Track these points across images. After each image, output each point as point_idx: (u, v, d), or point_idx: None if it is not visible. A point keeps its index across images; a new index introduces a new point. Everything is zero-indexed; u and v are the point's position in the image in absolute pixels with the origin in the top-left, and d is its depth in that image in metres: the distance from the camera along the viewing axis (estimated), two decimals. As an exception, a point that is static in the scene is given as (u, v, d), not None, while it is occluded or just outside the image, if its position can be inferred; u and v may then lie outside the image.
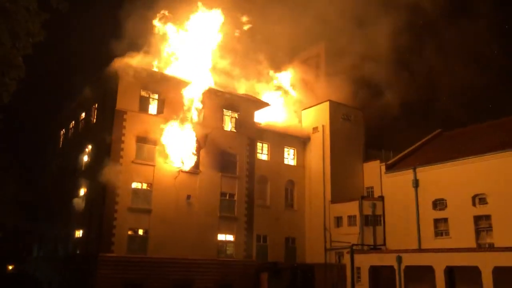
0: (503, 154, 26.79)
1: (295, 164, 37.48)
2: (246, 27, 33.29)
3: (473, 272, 21.34)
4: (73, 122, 35.63)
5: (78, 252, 29.32)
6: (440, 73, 48.83)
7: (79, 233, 29.87)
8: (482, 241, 27.14)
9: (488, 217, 27.02)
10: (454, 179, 28.97)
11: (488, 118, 35.13)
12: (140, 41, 30.13)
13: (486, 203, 27.27)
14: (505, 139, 28.59)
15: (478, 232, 27.43)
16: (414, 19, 42.34)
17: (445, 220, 29.15)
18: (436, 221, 29.63)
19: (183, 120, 29.29)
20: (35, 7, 9.90)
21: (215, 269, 29.04)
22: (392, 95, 41.32)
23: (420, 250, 28.03)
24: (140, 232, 27.58)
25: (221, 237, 30.45)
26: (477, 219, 27.57)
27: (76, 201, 30.65)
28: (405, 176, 31.99)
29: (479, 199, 27.74)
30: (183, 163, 29.08)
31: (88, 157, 31.26)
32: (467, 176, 28.30)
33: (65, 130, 37.63)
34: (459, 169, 28.93)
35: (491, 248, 25.33)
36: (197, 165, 29.89)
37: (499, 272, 20.70)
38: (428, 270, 23.42)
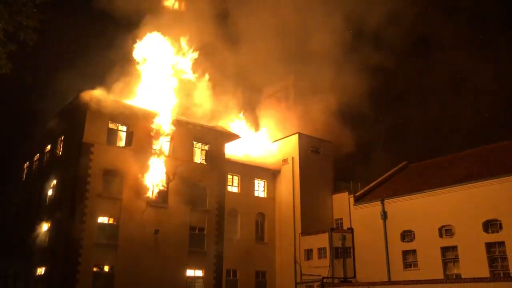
0: (469, 186, 27.50)
1: (266, 196, 37.41)
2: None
3: (442, 304, 21.49)
4: (38, 154, 34.69)
5: (39, 290, 28.02)
6: (407, 107, 50.41)
7: (41, 271, 28.61)
8: (449, 272, 27.44)
9: (454, 248, 27.43)
10: (421, 210, 29.45)
11: (453, 151, 36.15)
12: (108, 73, 30.07)
13: (453, 234, 27.74)
14: (470, 171, 29.44)
15: (445, 263, 27.76)
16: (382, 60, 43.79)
17: (414, 251, 29.42)
18: (405, 253, 29.86)
19: (151, 153, 28.98)
20: (1, 38, 9.76)
21: (184, 306, 28.23)
22: (360, 129, 42.30)
23: (390, 282, 28.08)
24: (106, 268, 26.68)
25: (190, 272, 29.75)
26: (444, 250, 27.95)
27: (39, 237, 29.51)
28: (373, 208, 32.32)
29: (445, 230, 28.21)
30: (151, 197, 28.59)
31: (53, 190, 30.34)
32: (434, 208, 28.82)
33: (29, 163, 36.55)
34: (426, 200, 29.47)
35: (458, 279, 25.63)
36: (165, 198, 29.44)
37: (467, 303, 20.91)
38: (398, 303, 23.45)
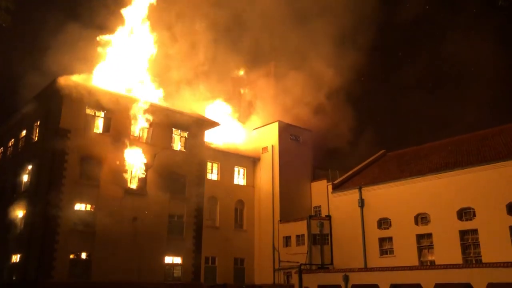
0: (444, 174, 28.04)
1: (245, 184, 37.50)
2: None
3: (416, 290, 21.98)
4: (13, 140, 33.94)
5: (14, 278, 27.58)
6: (386, 97, 50.91)
7: (16, 258, 28.16)
8: (424, 258, 28.07)
9: (429, 236, 28.04)
10: (398, 198, 29.95)
11: (430, 140, 36.73)
12: (85, 58, 29.46)
13: (428, 221, 28.32)
14: (446, 160, 29.98)
15: (420, 250, 28.37)
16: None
17: (390, 239, 29.96)
18: (381, 240, 30.39)
19: (130, 139, 28.63)
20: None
21: (162, 293, 28.23)
22: (340, 117, 42.58)
23: (366, 269, 28.56)
24: (83, 255, 26.43)
25: (168, 259, 29.70)
26: (420, 237, 28.54)
27: (14, 223, 29.01)
28: (351, 196, 32.72)
29: (421, 218, 28.78)
30: (129, 183, 28.32)
31: (28, 177, 29.79)
32: (410, 196, 29.34)
33: (3, 148, 35.74)
34: (403, 189, 29.96)
35: (433, 266, 26.22)
36: (144, 186, 29.20)
37: (440, 289, 21.42)
38: (374, 289, 23.89)
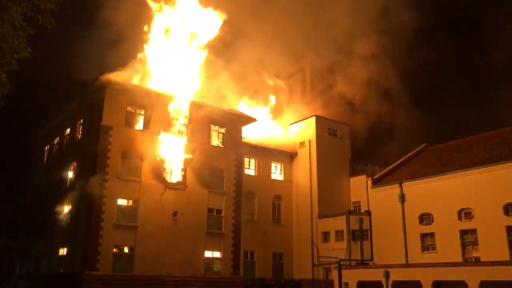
0: (488, 168, 27.10)
1: (282, 179, 37.46)
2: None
3: (460, 286, 21.34)
4: (58, 138, 35.20)
5: (62, 270, 28.70)
6: (425, 89, 49.58)
7: (63, 251, 29.29)
8: (468, 255, 27.26)
9: (474, 231, 27.19)
10: (440, 193, 29.17)
11: (472, 133, 35.49)
12: (127, 57, 30.14)
13: (472, 217, 27.46)
14: (490, 153, 28.97)
15: (464, 246, 27.56)
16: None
17: (432, 234, 29.24)
18: (423, 236, 29.71)
19: (169, 136, 29.11)
20: (20, 22, 9.78)
21: (202, 287, 28.64)
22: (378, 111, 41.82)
23: (407, 265, 27.99)
24: (126, 249, 27.17)
25: (208, 254, 30.11)
26: (463, 233, 27.72)
27: (60, 218, 30.12)
28: (391, 191, 32.11)
29: (464, 213, 27.93)
30: (170, 179, 28.84)
31: (73, 173, 30.85)
32: (453, 191, 28.51)
33: (49, 146, 37.14)
34: (445, 183, 29.15)
35: (477, 262, 25.41)
36: (184, 181, 29.67)
37: (485, 286, 20.72)
38: (416, 285, 23.33)
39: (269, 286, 30.69)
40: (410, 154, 37.49)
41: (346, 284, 27.14)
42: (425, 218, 29.97)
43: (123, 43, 30.19)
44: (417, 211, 30.24)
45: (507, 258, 24.60)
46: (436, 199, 29.30)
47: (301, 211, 36.25)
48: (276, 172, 37.49)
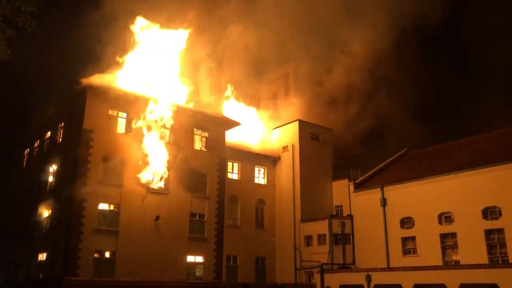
0: (468, 173, 27.55)
1: (266, 183, 37.51)
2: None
3: (441, 290, 21.67)
4: (38, 141, 34.68)
5: (41, 276, 28.22)
6: (406, 94, 50.23)
7: (42, 256, 28.81)
8: (448, 258, 27.63)
9: (454, 235, 27.58)
10: (421, 197, 29.54)
11: (453, 139, 36.06)
12: (108, 60, 29.87)
13: (452, 221, 27.87)
14: (470, 159, 29.45)
15: (444, 250, 27.93)
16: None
17: (413, 238, 29.59)
18: (404, 240, 30.03)
19: (152, 140, 28.93)
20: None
21: (184, 292, 28.47)
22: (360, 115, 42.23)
23: (389, 268, 28.27)
24: (107, 254, 26.83)
25: (190, 258, 29.94)
26: (443, 237, 28.10)
27: (40, 222, 29.64)
28: (373, 195, 32.41)
29: (444, 217, 28.33)
30: (152, 183, 28.64)
31: (53, 177, 30.41)
32: (433, 195, 28.90)
33: (29, 149, 36.56)
34: (426, 188, 29.54)
35: (457, 265, 25.81)
36: (166, 185, 29.49)
37: (465, 290, 21.08)
38: (397, 289, 23.64)
39: (252, 290, 30.67)
40: (391, 159, 37.88)
41: (329, 288, 27.33)
42: (406, 222, 30.30)
43: (105, 46, 29.89)
44: (398, 215, 30.58)
45: (486, 261, 25.04)
46: (417, 203, 29.66)
47: (284, 215, 36.32)
48: (260, 176, 37.52)
